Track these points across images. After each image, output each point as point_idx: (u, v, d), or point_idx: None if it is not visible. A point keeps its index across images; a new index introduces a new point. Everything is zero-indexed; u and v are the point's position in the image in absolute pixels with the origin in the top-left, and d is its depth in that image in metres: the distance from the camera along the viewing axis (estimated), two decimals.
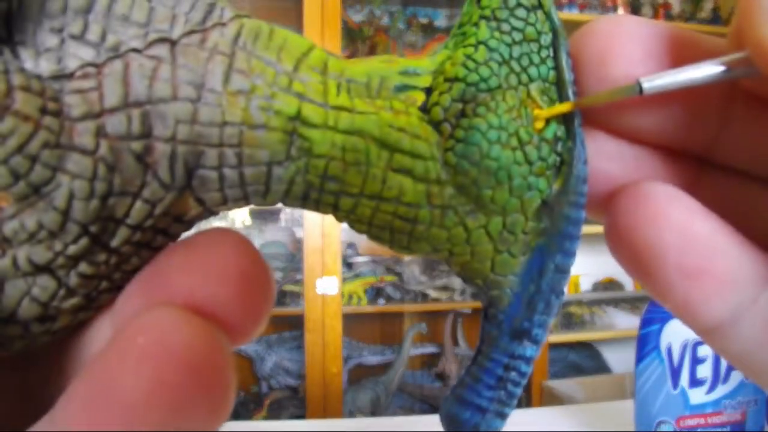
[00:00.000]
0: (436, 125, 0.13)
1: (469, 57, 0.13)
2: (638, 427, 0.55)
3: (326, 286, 1.74)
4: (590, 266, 2.30)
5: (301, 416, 1.72)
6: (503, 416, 0.14)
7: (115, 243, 0.12)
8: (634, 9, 2.12)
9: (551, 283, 0.14)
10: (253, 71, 0.12)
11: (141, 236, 0.12)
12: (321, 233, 1.73)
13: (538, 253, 0.14)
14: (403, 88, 0.13)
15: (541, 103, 0.13)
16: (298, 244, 1.96)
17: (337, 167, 0.12)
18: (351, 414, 1.76)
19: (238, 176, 0.12)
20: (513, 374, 0.14)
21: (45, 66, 0.11)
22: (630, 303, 2.16)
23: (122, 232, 0.12)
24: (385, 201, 0.13)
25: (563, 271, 0.14)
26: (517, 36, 0.13)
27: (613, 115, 0.13)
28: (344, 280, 1.81)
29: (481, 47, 0.13)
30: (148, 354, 0.10)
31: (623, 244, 0.12)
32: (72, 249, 0.11)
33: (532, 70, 0.13)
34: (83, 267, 0.12)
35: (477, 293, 0.15)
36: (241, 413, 1.76)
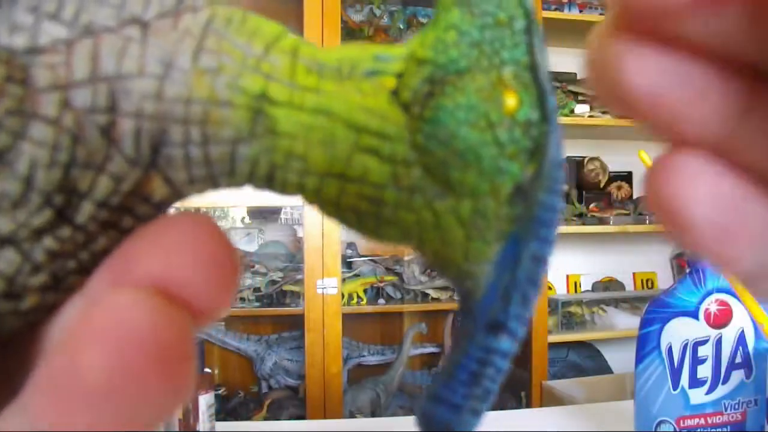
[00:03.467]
0: (406, 107, 0.13)
1: (439, 39, 0.13)
2: (638, 427, 0.55)
3: (326, 286, 1.74)
4: (590, 266, 2.31)
5: (301, 416, 1.72)
6: (478, 414, 0.14)
7: (80, 219, 0.12)
8: None
9: (527, 272, 0.13)
10: (222, 52, 0.12)
11: (107, 215, 0.12)
12: (321, 233, 1.73)
13: (512, 241, 0.13)
14: (373, 73, 0.13)
15: (514, 86, 0.13)
16: (298, 244, 1.96)
17: (302, 146, 0.12)
18: (351, 414, 1.76)
19: (203, 155, 0.12)
20: (489, 370, 0.13)
21: (18, 41, 0.11)
22: (630, 303, 2.16)
23: (87, 208, 0.12)
24: (350, 181, 0.13)
25: (540, 260, 0.13)
26: (489, 20, 0.13)
27: (660, 22, 0.12)
28: (344, 280, 1.81)
29: (452, 30, 0.13)
30: (108, 336, 0.10)
31: (661, 210, 0.12)
32: (36, 220, 0.11)
33: (504, 54, 0.13)
34: (48, 242, 0.12)
35: (452, 287, 0.14)
36: (241, 413, 1.76)
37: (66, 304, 0.13)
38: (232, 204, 1.96)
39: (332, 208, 0.13)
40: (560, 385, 1.82)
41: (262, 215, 2.09)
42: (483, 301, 0.14)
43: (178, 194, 0.13)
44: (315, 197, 0.13)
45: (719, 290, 0.52)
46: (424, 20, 2.08)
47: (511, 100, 0.13)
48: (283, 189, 0.13)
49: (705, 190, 0.12)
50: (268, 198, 1.83)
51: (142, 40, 0.12)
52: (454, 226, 0.13)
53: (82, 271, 0.12)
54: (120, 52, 0.12)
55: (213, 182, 0.13)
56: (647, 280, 2.36)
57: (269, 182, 0.13)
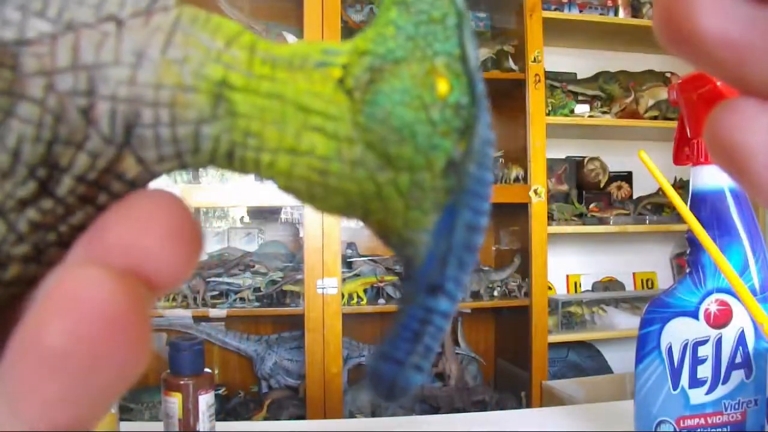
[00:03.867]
0: (350, 93, 0.15)
1: (379, 34, 0.15)
2: (638, 427, 0.55)
3: (326, 286, 1.74)
4: (590, 266, 2.31)
5: (301, 416, 1.72)
6: (421, 370, 0.15)
7: (60, 192, 0.13)
8: (635, 9, 2.11)
9: (462, 239, 0.15)
10: (189, 45, 0.14)
11: (85, 190, 0.14)
12: (321, 233, 1.73)
13: (448, 212, 0.15)
14: (322, 64, 0.15)
15: (445, 74, 0.15)
16: (298, 244, 1.96)
17: (258, 126, 0.14)
18: (351, 414, 1.76)
19: (171, 134, 0.14)
20: (430, 328, 0.15)
21: (8, 34, 0.13)
22: (630, 303, 2.16)
23: (67, 182, 0.13)
24: (300, 155, 0.15)
25: (474, 228, 0.15)
26: (424, 17, 0.15)
27: None
28: (344, 280, 1.81)
29: (390, 26, 0.15)
30: (65, 309, 0.11)
31: (718, 151, 0.13)
32: (21, 192, 0.13)
33: (437, 46, 0.15)
34: (32, 213, 0.13)
35: (396, 256, 0.16)
36: (241, 413, 1.76)
37: (46, 277, 0.13)
38: (232, 204, 1.96)
39: (284, 179, 0.15)
40: (560, 385, 1.82)
41: (262, 215, 2.09)
42: (423, 266, 0.15)
43: (150, 173, 0.15)
44: (269, 171, 0.15)
45: (719, 290, 0.52)
46: None
47: (442, 86, 0.15)
48: (242, 166, 0.15)
49: (764, 133, 0.12)
50: (268, 198, 1.83)
51: (117, 34, 0.14)
52: (394, 196, 0.15)
53: (62, 244, 0.14)
54: (98, 44, 0.14)
55: (180, 161, 0.15)
56: (647, 280, 2.36)
57: (229, 159, 0.15)
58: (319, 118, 0.15)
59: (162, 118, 0.14)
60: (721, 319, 0.52)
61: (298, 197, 0.16)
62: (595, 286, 2.28)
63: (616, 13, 2.09)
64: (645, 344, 0.54)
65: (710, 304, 0.52)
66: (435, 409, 1.89)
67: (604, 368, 2.10)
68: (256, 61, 0.15)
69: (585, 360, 2.11)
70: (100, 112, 0.13)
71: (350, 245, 1.94)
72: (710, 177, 0.53)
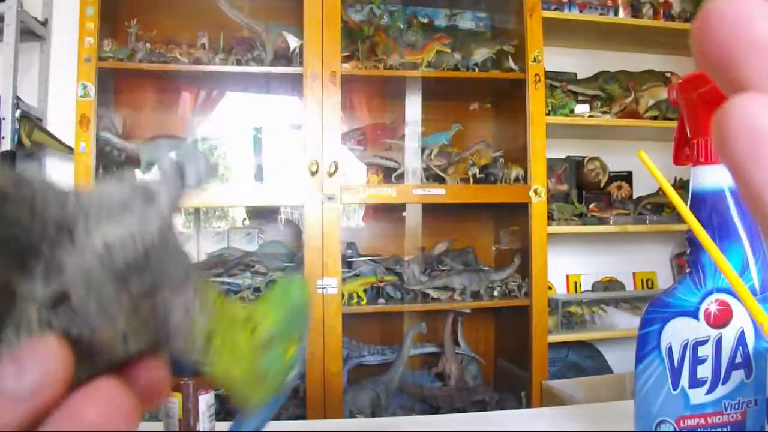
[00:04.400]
0: (255, 345, 0.27)
1: (268, 314, 0.28)
2: (638, 427, 0.55)
3: (326, 286, 1.74)
4: (590, 266, 2.31)
5: (301, 416, 1.72)
6: None
7: None
8: (635, 9, 2.11)
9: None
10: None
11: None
12: (321, 233, 1.73)
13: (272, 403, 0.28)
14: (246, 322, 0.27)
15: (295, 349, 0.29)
16: (298, 243, 1.96)
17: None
18: (351, 414, 1.76)
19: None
20: None
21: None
22: (630, 303, 2.16)
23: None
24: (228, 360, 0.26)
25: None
26: (289, 312, 0.28)
27: None
28: (344, 280, 1.81)
29: (272, 313, 0.27)
30: None
31: (725, 152, 0.14)
32: None
33: (295, 333, 0.28)
34: None
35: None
36: None
37: None
38: (232, 204, 1.96)
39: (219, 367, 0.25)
40: (560, 385, 1.82)
41: (262, 215, 2.09)
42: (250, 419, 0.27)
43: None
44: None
45: (719, 290, 0.52)
46: (424, 20, 2.08)
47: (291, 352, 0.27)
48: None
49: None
50: (268, 198, 1.83)
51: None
52: (257, 379, 0.26)
53: None
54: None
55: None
56: (647, 280, 2.36)
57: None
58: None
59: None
60: (721, 319, 0.52)
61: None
62: (595, 286, 2.28)
63: (616, 13, 2.09)
64: (645, 344, 0.54)
65: (710, 304, 0.52)
66: (435, 409, 1.89)
67: (604, 368, 2.10)
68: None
69: (585, 360, 2.11)
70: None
71: (350, 245, 1.94)
72: (710, 177, 0.52)
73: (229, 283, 1.79)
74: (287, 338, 0.26)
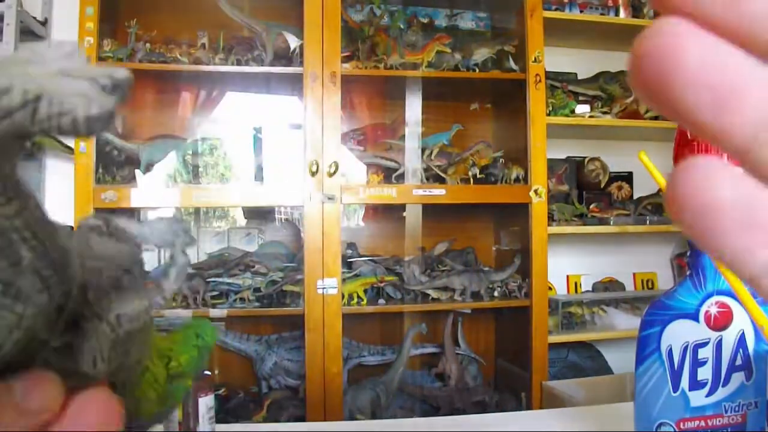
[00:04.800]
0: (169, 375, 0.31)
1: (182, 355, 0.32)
2: (638, 428, 0.55)
3: (326, 286, 1.74)
4: (590, 266, 2.31)
5: (300, 416, 1.72)
6: None
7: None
8: (635, 9, 2.11)
9: None
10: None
11: None
12: (321, 233, 1.73)
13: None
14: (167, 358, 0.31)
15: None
16: (298, 244, 1.96)
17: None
18: (351, 414, 1.76)
19: None
20: None
21: None
22: (630, 303, 2.16)
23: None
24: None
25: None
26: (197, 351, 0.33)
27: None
28: (344, 280, 1.81)
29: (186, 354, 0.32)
30: None
31: (679, 208, 0.14)
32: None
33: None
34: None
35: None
36: (241, 413, 1.76)
37: None
38: (231, 204, 1.96)
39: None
40: (560, 385, 1.82)
41: (262, 215, 2.09)
42: None
43: None
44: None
45: (719, 292, 0.52)
46: (424, 20, 2.08)
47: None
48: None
49: (723, 185, 0.13)
50: (267, 198, 1.82)
51: None
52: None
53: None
54: None
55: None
56: (647, 281, 2.36)
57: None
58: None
59: None
60: (721, 322, 0.52)
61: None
62: (596, 287, 2.28)
63: (616, 13, 2.09)
64: (645, 346, 0.54)
65: (710, 306, 0.52)
66: (435, 410, 1.89)
67: (604, 368, 2.10)
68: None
69: (585, 360, 2.11)
70: None
71: (350, 245, 1.94)
72: None
73: (229, 284, 1.79)
74: (193, 373, 0.32)
